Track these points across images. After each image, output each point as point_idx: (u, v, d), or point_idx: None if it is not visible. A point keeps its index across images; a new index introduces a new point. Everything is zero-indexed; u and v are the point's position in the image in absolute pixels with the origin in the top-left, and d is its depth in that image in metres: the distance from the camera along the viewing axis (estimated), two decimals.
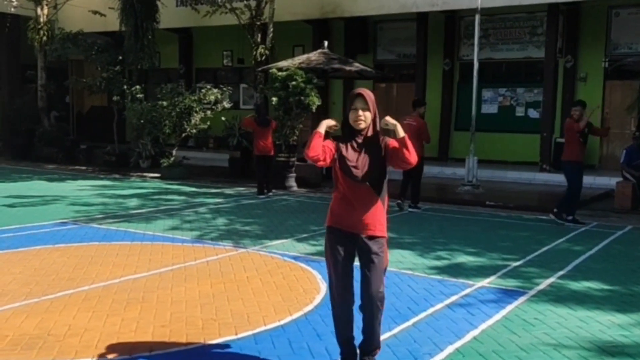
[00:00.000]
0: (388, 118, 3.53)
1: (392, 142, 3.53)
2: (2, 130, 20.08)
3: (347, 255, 3.57)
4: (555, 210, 8.94)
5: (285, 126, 12.36)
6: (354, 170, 3.48)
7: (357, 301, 3.63)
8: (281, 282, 5.56)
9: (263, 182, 11.41)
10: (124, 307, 4.75)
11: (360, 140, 3.53)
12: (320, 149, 3.48)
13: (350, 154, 3.51)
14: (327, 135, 3.57)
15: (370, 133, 3.54)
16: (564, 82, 14.99)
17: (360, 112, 3.50)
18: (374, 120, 3.55)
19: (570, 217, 8.80)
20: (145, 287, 5.30)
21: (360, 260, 3.58)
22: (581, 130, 8.52)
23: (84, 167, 16.30)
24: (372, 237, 3.53)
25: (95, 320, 4.44)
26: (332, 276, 3.62)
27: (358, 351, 3.69)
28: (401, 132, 3.47)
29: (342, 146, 3.54)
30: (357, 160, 3.50)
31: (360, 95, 3.51)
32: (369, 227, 3.53)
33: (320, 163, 3.51)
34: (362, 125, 3.52)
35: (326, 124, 3.56)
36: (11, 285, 5.29)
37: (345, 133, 3.59)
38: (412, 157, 3.44)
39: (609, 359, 3.93)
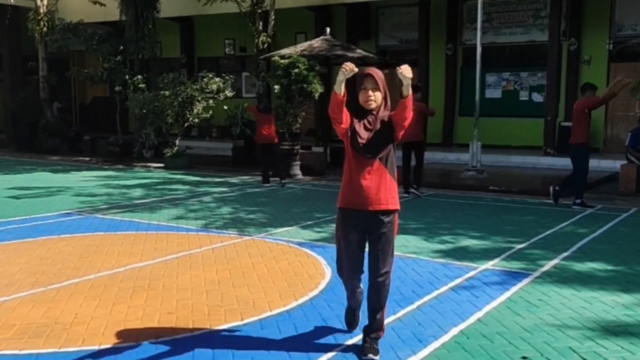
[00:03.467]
0: (406, 68, 3.33)
1: (393, 114, 3.56)
2: (5, 122, 20.12)
3: (360, 235, 3.58)
4: (557, 187, 8.92)
5: (288, 114, 12.34)
6: (364, 147, 3.50)
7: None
8: (286, 268, 5.58)
9: (267, 170, 11.39)
10: (130, 295, 4.78)
11: (371, 120, 3.53)
12: (341, 112, 3.44)
13: (362, 131, 3.52)
14: (348, 105, 3.51)
15: (381, 112, 3.54)
16: (568, 65, 14.90)
17: (371, 93, 3.49)
18: (384, 99, 3.54)
19: (578, 201, 8.79)
20: (150, 275, 5.33)
21: (370, 238, 3.59)
22: (601, 101, 8.53)
23: (87, 158, 16.34)
24: (384, 212, 3.54)
25: (102, 308, 4.46)
26: (342, 257, 3.63)
27: (362, 334, 3.72)
28: (408, 90, 3.39)
29: (356, 122, 3.54)
30: (368, 138, 3.50)
31: (370, 75, 3.49)
32: (381, 201, 3.53)
33: (342, 126, 3.48)
34: (373, 105, 3.52)
35: (344, 76, 3.36)
36: (18, 275, 5.33)
37: (355, 112, 3.57)
38: (409, 112, 3.45)
39: (613, 338, 3.94)
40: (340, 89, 3.41)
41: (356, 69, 3.39)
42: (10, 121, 19.53)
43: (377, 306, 3.63)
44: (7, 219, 7.87)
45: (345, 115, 3.49)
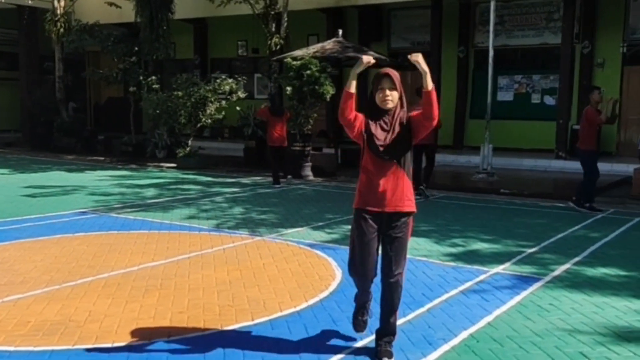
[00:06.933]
0: (419, 58, 3.43)
1: (413, 113, 3.60)
2: (22, 121, 20.37)
3: (375, 236, 3.61)
4: (574, 198, 8.91)
5: (299, 115, 12.40)
6: (382, 148, 3.52)
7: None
8: (297, 269, 5.62)
9: (278, 172, 11.46)
10: (143, 294, 4.84)
11: (388, 120, 3.56)
12: (352, 113, 3.49)
13: (379, 132, 3.54)
14: (359, 110, 3.56)
15: (397, 112, 3.57)
16: (581, 69, 14.80)
17: (388, 92, 3.52)
18: (400, 99, 3.57)
19: (587, 205, 8.76)
20: (163, 275, 5.39)
21: (384, 240, 3.62)
22: (604, 123, 8.66)
23: (102, 158, 16.50)
24: (400, 214, 3.57)
25: (115, 307, 4.53)
26: (356, 258, 3.63)
27: (375, 336, 3.74)
28: (430, 84, 3.43)
29: (372, 124, 3.56)
30: (386, 139, 3.52)
31: (387, 75, 3.52)
32: (397, 203, 3.56)
33: (354, 129, 3.53)
34: (390, 105, 3.54)
35: (359, 69, 3.52)
36: (33, 272, 5.41)
37: (372, 113, 3.59)
38: (435, 110, 3.46)
39: (625, 344, 3.93)
40: (352, 85, 3.50)
41: (373, 60, 3.52)
42: (26, 120, 19.77)
43: (390, 308, 3.64)
44: (23, 217, 7.98)
45: (357, 116, 3.53)
